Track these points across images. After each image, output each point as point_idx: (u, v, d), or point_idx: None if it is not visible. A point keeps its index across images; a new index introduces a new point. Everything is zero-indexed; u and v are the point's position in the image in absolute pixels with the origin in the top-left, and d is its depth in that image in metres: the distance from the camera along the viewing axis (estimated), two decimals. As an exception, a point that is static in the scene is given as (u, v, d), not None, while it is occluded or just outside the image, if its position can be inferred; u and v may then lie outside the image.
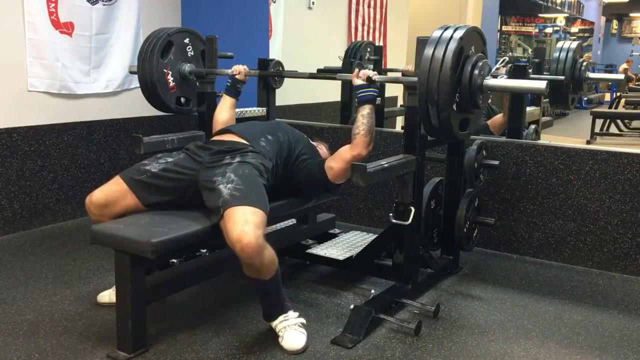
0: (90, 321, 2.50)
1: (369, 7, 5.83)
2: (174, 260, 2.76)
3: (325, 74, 2.97)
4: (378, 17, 6.00)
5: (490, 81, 2.31)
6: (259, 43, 4.28)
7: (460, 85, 2.29)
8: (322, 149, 2.87)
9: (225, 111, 3.02)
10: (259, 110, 3.49)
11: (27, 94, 3.63)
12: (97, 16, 3.93)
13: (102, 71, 4.02)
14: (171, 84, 3.23)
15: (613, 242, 3.19)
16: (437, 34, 2.29)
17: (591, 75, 3.51)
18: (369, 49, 4.53)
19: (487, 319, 2.61)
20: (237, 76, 3.06)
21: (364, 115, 2.56)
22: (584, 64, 3.48)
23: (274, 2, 4.46)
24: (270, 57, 4.09)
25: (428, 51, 2.26)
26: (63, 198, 3.88)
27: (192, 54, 3.32)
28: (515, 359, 2.29)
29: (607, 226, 3.20)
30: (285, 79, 3.56)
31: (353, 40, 5.51)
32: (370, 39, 5.82)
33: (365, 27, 5.79)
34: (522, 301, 2.82)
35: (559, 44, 3.57)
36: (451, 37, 2.24)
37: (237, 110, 3.30)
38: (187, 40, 3.30)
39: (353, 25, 5.60)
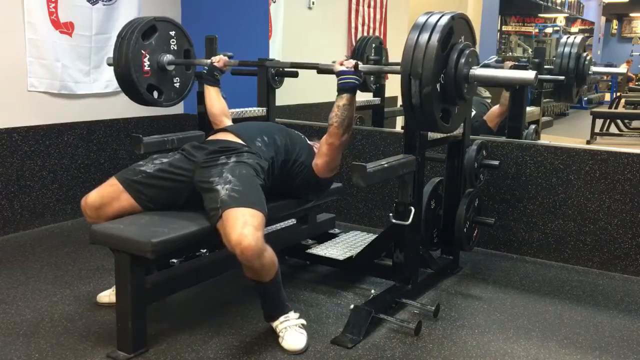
0: (90, 321, 2.50)
1: (369, 7, 5.83)
2: (174, 260, 2.76)
3: (308, 64, 2.86)
4: (378, 17, 6.00)
5: (477, 71, 2.24)
6: (259, 43, 4.28)
7: (446, 67, 2.21)
8: (317, 147, 2.85)
9: (214, 101, 2.99)
10: (259, 110, 3.49)
11: (27, 94, 3.63)
12: (97, 16, 3.93)
13: (102, 71, 4.01)
14: (146, 68, 3.11)
15: (613, 242, 3.19)
16: (424, 17, 2.22)
17: (594, 69, 3.50)
18: (374, 45, 4.49)
19: (487, 319, 2.61)
20: (215, 64, 3.00)
21: (339, 106, 2.47)
22: (588, 58, 3.49)
23: (274, 2, 4.46)
24: (270, 57, 4.10)
25: (414, 31, 2.18)
26: (63, 198, 3.88)
27: (175, 49, 3.23)
28: (515, 359, 2.29)
29: (607, 226, 3.20)
30: (286, 80, 3.56)
31: (353, 40, 5.50)
32: (371, 38, 5.82)
33: (365, 27, 5.78)
34: (522, 301, 2.82)
35: (563, 39, 3.56)
36: (440, 17, 2.18)
37: (237, 110, 3.29)
38: (172, 33, 3.21)
39: (353, 25, 5.60)
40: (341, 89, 2.49)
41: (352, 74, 2.48)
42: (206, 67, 3.04)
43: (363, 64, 2.58)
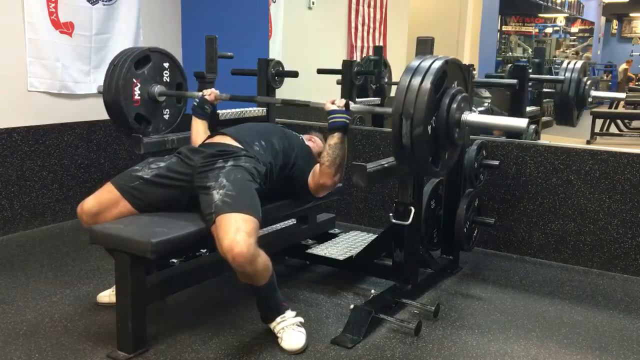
0: (90, 321, 2.50)
1: (369, 7, 5.83)
2: (174, 260, 2.76)
3: (299, 101, 2.80)
4: (378, 17, 6.00)
5: (469, 117, 2.21)
6: (259, 43, 4.29)
7: (438, 110, 2.18)
8: (316, 141, 2.83)
9: (200, 135, 2.83)
10: (259, 110, 3.49)
11: (27, 94, 3.64)
12: (97, 16, 3.93)
13: (102, 71, 3.97)
14: (136, 97, 3.03)
15: (613, 242, 3.19)
16: (417, 60, 2.21)
17: (594, 93, 3.60)
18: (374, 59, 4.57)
19: (487, 319, 2.61)
20: (207, 97, 2.91)
21: (331, 145, 2.42)
22: (588, 82, 3.56)
23: (274, 2, 4.46)
24: (270, 57, 4.10)
25: (407, 74, 2.16)
26: (63, 198, 3.88)
27: (168, 81, 3.15)
28: (515, 359, 2.29)
29: (607, 226, 3.20)
30: (286, 79, 3.56)
31: (353, 40, 5.52)
32: (370, 39, 5.83)
33: (365, 27, 5.79)
34: (522, 301, 2.82)
35: (564, 64, 3.64)
36: (434, 61, 2.18)
37: (237, 110, 3.30)
38: (166, 65, 3.14)
39: (353, 25, 5.60)
40: (332, 128, 2.44)
41: (342, 112, 2.44)
42: (197, 100, 2.94)
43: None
